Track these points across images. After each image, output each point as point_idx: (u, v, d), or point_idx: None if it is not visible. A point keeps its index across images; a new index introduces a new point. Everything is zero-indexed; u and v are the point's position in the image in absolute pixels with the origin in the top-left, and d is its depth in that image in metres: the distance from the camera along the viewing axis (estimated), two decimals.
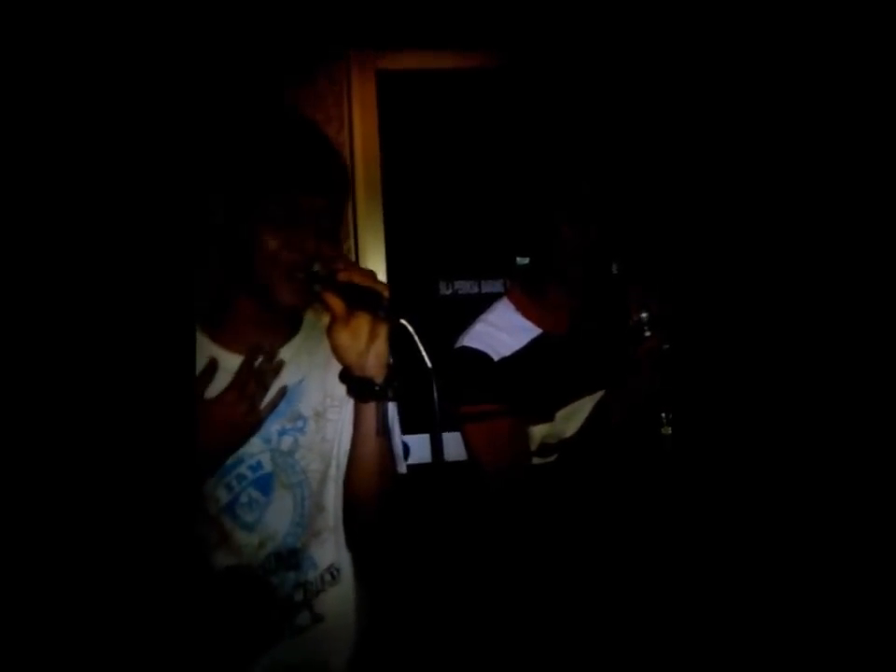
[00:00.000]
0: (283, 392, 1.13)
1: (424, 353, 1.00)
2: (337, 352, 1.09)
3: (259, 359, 1.10)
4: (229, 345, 1.15)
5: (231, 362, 1.13)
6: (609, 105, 2.43)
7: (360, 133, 2.32)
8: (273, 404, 1.12)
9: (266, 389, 1.11)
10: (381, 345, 1.07)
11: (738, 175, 2.27)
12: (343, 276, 1.04)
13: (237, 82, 2.19)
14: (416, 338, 1.01)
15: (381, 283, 1.05)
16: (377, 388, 1.09)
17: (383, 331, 1.06)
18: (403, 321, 1.02)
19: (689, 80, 2.37)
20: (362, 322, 1.06)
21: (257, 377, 1.09)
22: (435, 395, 1.00)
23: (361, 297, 1.04)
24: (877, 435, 1.76)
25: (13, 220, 0.65)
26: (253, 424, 1.10)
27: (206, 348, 1.14)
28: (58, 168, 0.67)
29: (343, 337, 1.07)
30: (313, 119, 2.17)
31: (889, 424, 1.75)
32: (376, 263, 2.32)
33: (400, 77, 2.39)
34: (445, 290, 2.45)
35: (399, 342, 1.07)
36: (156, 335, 0.71)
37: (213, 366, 1.10)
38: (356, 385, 1.10)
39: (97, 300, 0.68)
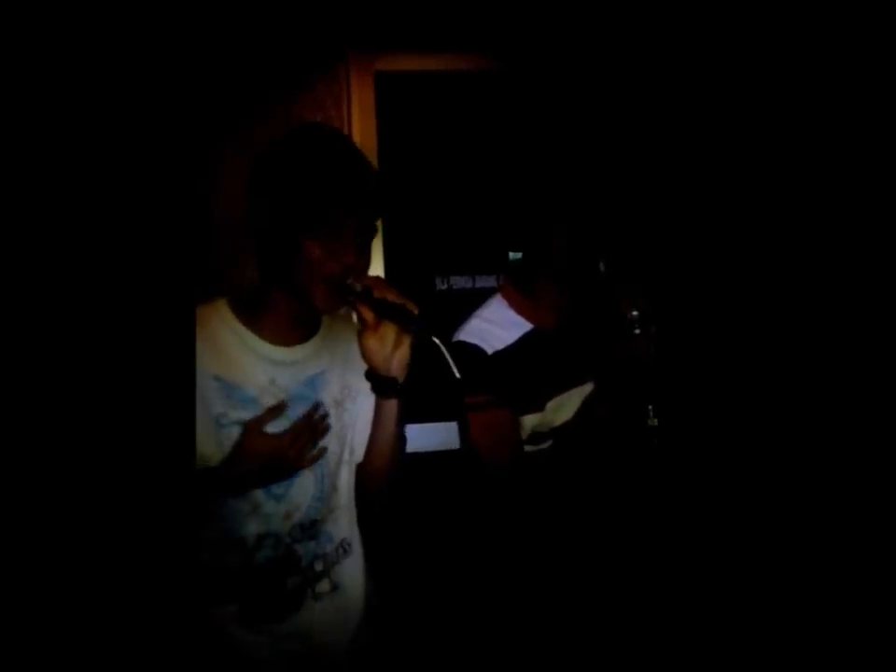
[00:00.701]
0: (324, 451, 1.24)
1: (453, 365, 1.14)
2: (365, 355, 1.22)
3: (318, 415, 1.22)
4: (260, 333, 1.25)
5: (261, 348, 1.24)
6: (602, 106, 2.47)
7: (359, 134, 2.36)
8: (314, 459, 1.22)
9: (315, 443, 1.21)
10: (404, 351, 1.21)
11: (727, 175, 2.29)
12: (378, 293, 1.18)
13: (236, 84, 2.25)
14: (445, 352, 1.15)
15: (411, 302, 1.18)
16: (398, 388, 1.23)
17: (406, 340, 1.20)
18: (435, 339, 1.15)
19: (677, 81, 2.40)
20: (389, 331, 1.20)
21: (312, 430, 1.20)
22: (462, 405, 1.13)
23: (394, 312, 1.17)
24: (860, 428, 1.78)
25: (18, 217, 0.69)
26: (292, 469, 1.20)
27: (241, 334, 1.24)
28: (61, 170, 0.71)
29: (372, 343, 1.21)
30: (313, 121, 2.25)
31: (871, 418, 1.78)
32: (374, 259, 2.37)
33: (399, 79, 2.42)
34: (441, 285, 2.51)
35: (417, 349, 1.21)
36: (157, 319, 0.75)
37: (281, 407, 1.20)
38: (380, 383, 1.24)
39: (100, 285, 0.72)
